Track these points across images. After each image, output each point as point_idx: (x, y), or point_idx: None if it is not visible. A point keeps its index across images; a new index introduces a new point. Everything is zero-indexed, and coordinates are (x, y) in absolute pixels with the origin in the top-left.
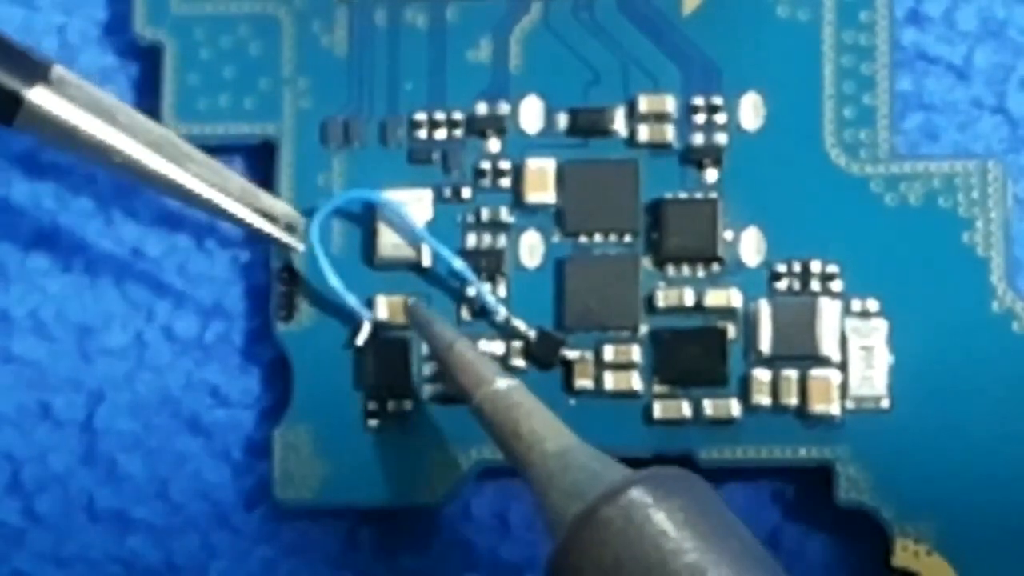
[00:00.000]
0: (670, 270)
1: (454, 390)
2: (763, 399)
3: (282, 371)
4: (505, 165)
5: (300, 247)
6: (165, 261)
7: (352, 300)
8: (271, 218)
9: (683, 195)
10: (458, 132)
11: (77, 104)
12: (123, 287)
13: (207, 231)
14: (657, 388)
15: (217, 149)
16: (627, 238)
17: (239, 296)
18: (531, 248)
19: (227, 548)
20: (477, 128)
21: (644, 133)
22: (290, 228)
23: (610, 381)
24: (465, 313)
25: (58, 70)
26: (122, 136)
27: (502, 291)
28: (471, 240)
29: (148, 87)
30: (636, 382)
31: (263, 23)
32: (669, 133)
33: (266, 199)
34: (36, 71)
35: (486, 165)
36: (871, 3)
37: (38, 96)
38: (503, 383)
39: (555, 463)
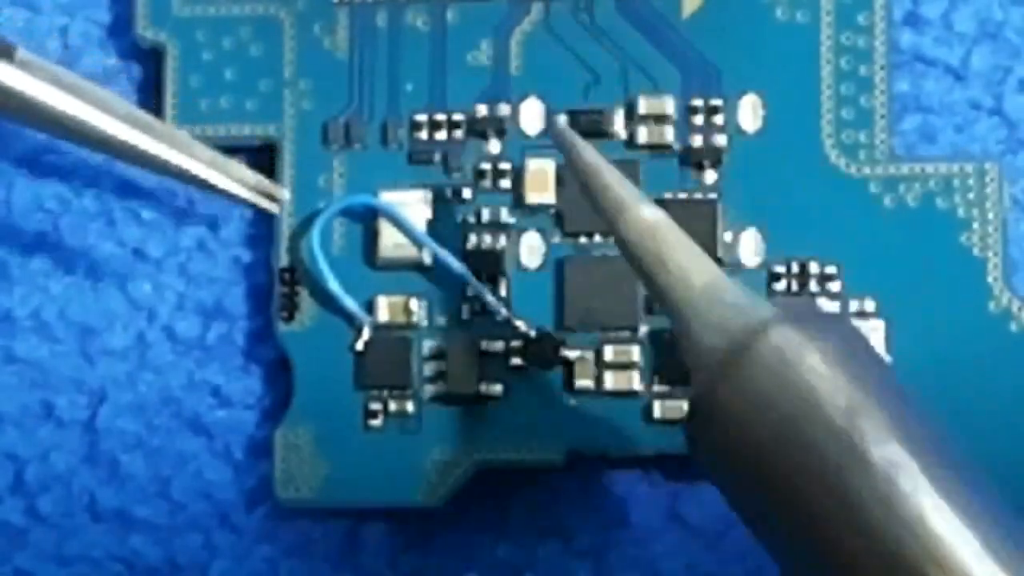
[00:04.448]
0: None
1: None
2: None
3: (283, 371)
4: (505, 166)
5: (275, 210)
6: (167, 262)
7: (351, 304)
8: (246, 185)
9: (682, 196)
10: (459, 133)
11: (42, 80)
12: (125, 288)
13: (209, 232)
14: (657, 388)
15: (218, 150)
16: None
17: (241, 297)
18: (531, 248)
19: (228, 548)
20: (477, 129)
21: (643, 134)
22: (268, 196)
23: (610, 381)
24: (466, 313)
25: (23, 52)
26: (90, 108)
27: (502, 291)
28: (471, 240)
29: (150, 89)
30: (636, 382)
31: (264, 25)
32: (668, 134)
33: (236, 168)
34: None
35: (486, 166)
36: (869, 5)
37: (2, 72)
38: (648, 212)
39: (701, 297)
